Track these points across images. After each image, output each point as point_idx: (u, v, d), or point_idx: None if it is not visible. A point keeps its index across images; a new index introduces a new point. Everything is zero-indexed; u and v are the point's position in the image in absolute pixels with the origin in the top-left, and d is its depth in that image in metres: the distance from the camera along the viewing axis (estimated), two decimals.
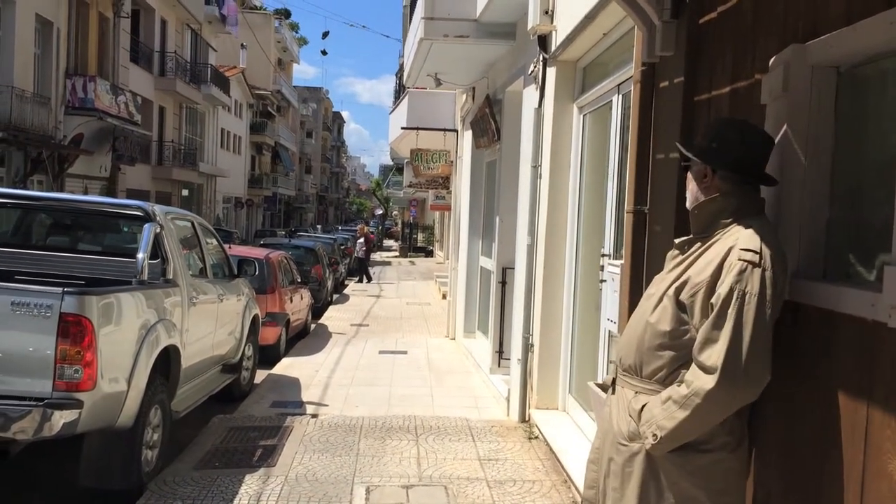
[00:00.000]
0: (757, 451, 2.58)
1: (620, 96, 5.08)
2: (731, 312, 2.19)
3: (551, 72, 6.29)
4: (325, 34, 30.11)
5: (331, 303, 17.68)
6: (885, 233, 2.07)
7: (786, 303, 2.40)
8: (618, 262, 4.40)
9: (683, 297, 2.34)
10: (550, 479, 5.29)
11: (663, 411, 2.29)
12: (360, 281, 24.35)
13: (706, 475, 2.33)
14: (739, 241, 2.26)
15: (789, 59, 2.37)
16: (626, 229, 3.95)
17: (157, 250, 5.52)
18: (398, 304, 17.88)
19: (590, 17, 4.98)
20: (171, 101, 29.44)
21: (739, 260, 2.22)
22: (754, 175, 2.35)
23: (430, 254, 42.00)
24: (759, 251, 2.21)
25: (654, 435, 2.30)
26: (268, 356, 9.66)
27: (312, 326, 13.34)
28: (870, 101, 2.26)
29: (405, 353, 10.83)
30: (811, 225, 2.35)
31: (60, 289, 4.28)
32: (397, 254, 44.49)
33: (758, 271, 2.19)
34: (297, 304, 11.97)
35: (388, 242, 58.25)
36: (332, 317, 15.01)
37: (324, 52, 53.28)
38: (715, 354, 2.20)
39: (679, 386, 2.29)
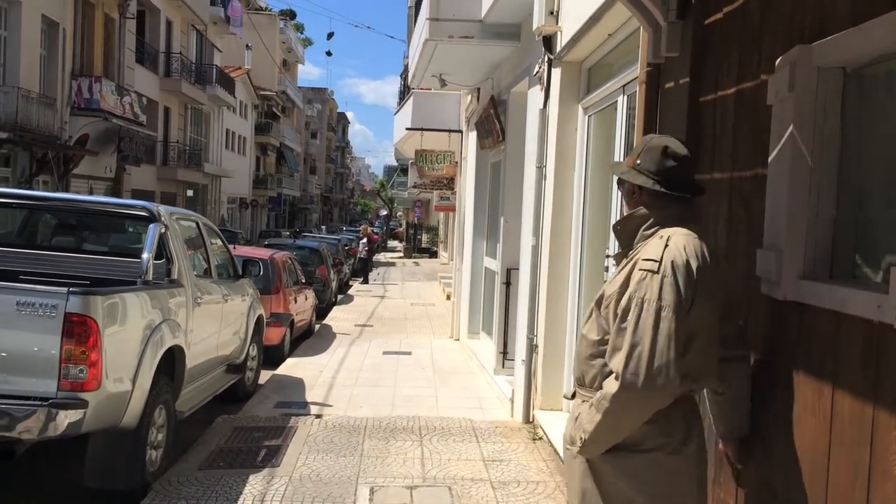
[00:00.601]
0: (762, 452, 2.58)
1: (626, 97, 5.07)
2: (631, 319, 2.28)
3: (556, 72, 6.28)
4: (330, 35, 30.22)
5: (335, 303, 17.69)
6: (892, 234, 2.07)
7: (792, 303, 2.39)
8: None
9: (602, 308, 2.45)
10: (555, 480, 5.28)
11: (587, 415, 2.38)
12: (365, 281, 24.37)
13: (643, 476, 2.37)
14: (644, 252, 2.37)
15: (795, 60, 2.36)
16: None
17: (161, 250, 5.53)
18: (402, 304, 17.88)
19: (595, 18, 4.97)
20: (177, 102, 29.50)
21: (639, 270, 2.33)
22: (677, 188, 2.44)
23: (434, 255, 42.00)
24: (658, 260, 2.30)
25: (581, 438, 2.39)
26: (272, 357, 9.67)
27: (317, 327, 13.34)
28: (876, 102, 2.25)
29: (409, 353, 10.83)
30: (818, 226, 2.35)
31: (65, 289, 4.29)
32: (402, 254, 44.49)
33: (657, 278, 2.27)
34: (302, 305, 11.98)
35: (392, 243, 58.27)
36: (337, 317, 15.02)
37: (328, 53, 53.56)
38: (617, 360, 2.28)
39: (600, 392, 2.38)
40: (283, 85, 52.60)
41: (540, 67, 6.61)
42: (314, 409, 7.24)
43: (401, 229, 61.96)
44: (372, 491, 4.98)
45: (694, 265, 2.30)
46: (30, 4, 17.74)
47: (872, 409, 2.01)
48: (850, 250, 2.31)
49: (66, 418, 4.17)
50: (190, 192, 31.10)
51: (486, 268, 10.51)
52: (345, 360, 10.04)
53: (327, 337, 12.37)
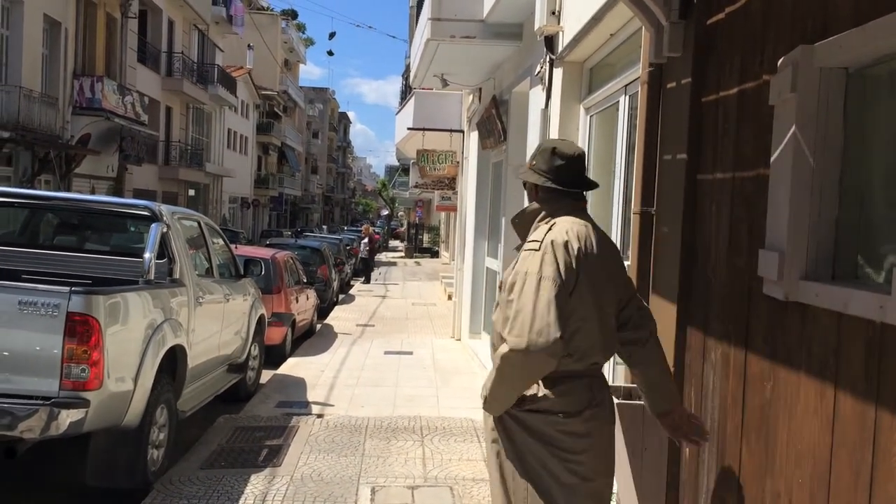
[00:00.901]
0: (765, 453, 2.58)
1: (627, 97, 5.07)
2: (516, 290, 2.58)
3: (558, 73, 6.28)
4: (332, 35, 30.26)
5: (336, 303, 17.69)
6: (895, 235, 2.06)
7: (794, 304, 2.39)
8: (624, 263, 4.39)
9: (503, 295, 2.74)
10: None
11: (488, 378, 2.69)
12: (367, 281, 24.38)
13: (545, 433, 2.63)
14: (531, 236, 2.72)
15: (798, 60, 2.36)
16: (633, 230, 3.94)
17: (163, 250, 5.54)
18: (404, 304, 17.88)
19: (597, 18, 4.97)
20: (178, 102, 29.52)
21: (524, 250, 2.67)
22: (566, 184, 2.77)
23: (435, 254, 42.00)
24: (541, 240, 2.62)
25: (484, 397, 2.70)
26: (273, 356, 9.67)
27: (318, 326, 13.35)
28: (879, 102, 2.25)
29: (411, 353, 10.83)
30: (820, 226, 2.34)
31: (67, 288, 4.29)
32: (403, 254, 44.48)
33: (538, 255, 2.59)
34: (303, 305, 11.98)
35: (393, 243, 58.27)
36: (338, 317, 15.02)
37: (330, 53, 53.51)
38: (508, 326, 2.56)
39: None
40: (284, 85, 52.62)
41: (542, 67, 6.61)
42: (316, 409, 7.24)
43: (402, 229, 61.96)
44: (373, 491, 4.98)
45: (574, 245, 2.61)
46: (32, 4, 17.76)
47: (875, 410, 2.01)
48: (853, 251, 2.30)
49: (68, 417, 4.17)
50: (192, 192, 31.13)
51: (487, 268, 10.51)
52: (346, 360, 10.05)
53: (329, 336, 12.37)
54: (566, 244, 2.60)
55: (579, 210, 2.78)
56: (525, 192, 3.07)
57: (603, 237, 2.78)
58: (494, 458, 2.74)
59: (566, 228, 2.66)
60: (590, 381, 2.69)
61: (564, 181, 2.77)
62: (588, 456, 2.65)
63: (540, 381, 2.63)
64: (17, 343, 4.24)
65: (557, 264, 2.55)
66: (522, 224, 2.84)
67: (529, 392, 2.63)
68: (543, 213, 2.78)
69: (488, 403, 2.70)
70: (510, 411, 2.67)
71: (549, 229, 2.66)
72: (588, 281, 2.60)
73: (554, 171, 2.78)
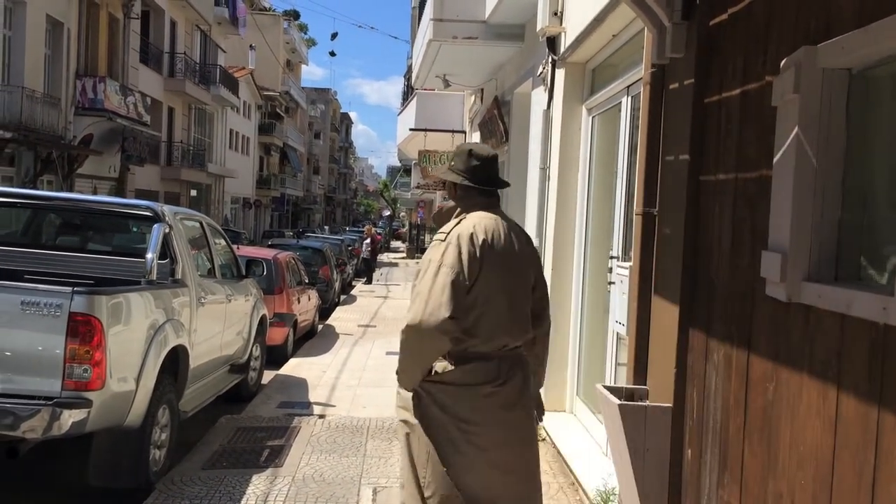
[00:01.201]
0: (768, 455, 2.58)
1: (630, 98, 5.07)
2: (420, 276, 2.88)
3: (560, 73, 6.29)
4: (334, 35, 30.32)
5: (338, 303, 17.69)
6: None
7: (797, 305, 2.39)
8: (626, 265, 4.40)
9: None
10: (557, 481, 5.27)
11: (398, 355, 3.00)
12: (368, 282, 24.38)
13: (448, 405, 2.90)
14: (441, 229, 2.98)
15: (801, 61, 2.36)
16: (636, 231, 3.94)
17: (165, 250, 5.54)
18: (405, 305, 17.80)
19: (599, 19, 4.97)
20: (180, 102, 29.54)
21: (434, 241, 2.94)
22: (481, 182, 3.07)
23: None
24: (448, 232, 2.91)
25: (397, 372, 3.01)
26: (275, 357, 9.67)
27: (320, 327, 13.34)
28: (882, 103, 2.25)
29: None
30: (823, 227, 2.34)
31: (70, 288, 4.29)
32: (404, 255, 44.49)
33: (442, 245, 2.88)
34: (305, 305, 11.98)
35: (395, 244, 58.29)
36: (340, 318, 15.02)
37: (332, 54, 53.37)
38: (409, 306, 2.87)
39: None
40: (286, 85, 52.64)
41: (544, 68, 6.61)
42: (317, 410, 7.24)
43: (404, 230, 61.96)
44: (375, 491, 4.98)
45: (480, 237, 2.89)
46: (34, 4, 17.78)
47: (878, 412, 2.01)
48: (856, 252, 2.30)
49: (70, 417, 4.17)
50: (193, 192, 31.14)
51: None
52: (348, 361, 10.05)
53: (330, 337, 12.37)
54: (471, 236, 2.89)
55: (492, 206, 3.08)
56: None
57: (515, 231, 3.06)
58: (403, 431, 3.02)
59: (474, 222, 2.95)
60: (498, 361, 2.94)
61: (480, 180, 3.07)
62: (484, 428, 2.91)
63: (451, 360, 2.91)
64: (20, 343, 4.24)
65: (460, 254, 2.84)
66: (441, 222, 3.09)
67: (441, 369, 2.92)
68: (459, 210, 3.08)
69: (399, 377, 3.01)
70: (423, 385, 2.94)
71: (458, 223, 2.96)
72: (493, 270, 2.89)
73: (470, 170, 3.07)
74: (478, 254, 2.86)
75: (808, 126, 2.35)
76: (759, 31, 2.81)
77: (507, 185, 3.23)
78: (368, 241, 25.40)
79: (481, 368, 2.92)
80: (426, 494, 2.91)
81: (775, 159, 2.52)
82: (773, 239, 2.52)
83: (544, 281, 3.25)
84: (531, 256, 3.13)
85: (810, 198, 2.35)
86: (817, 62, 2.32)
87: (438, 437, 2.90)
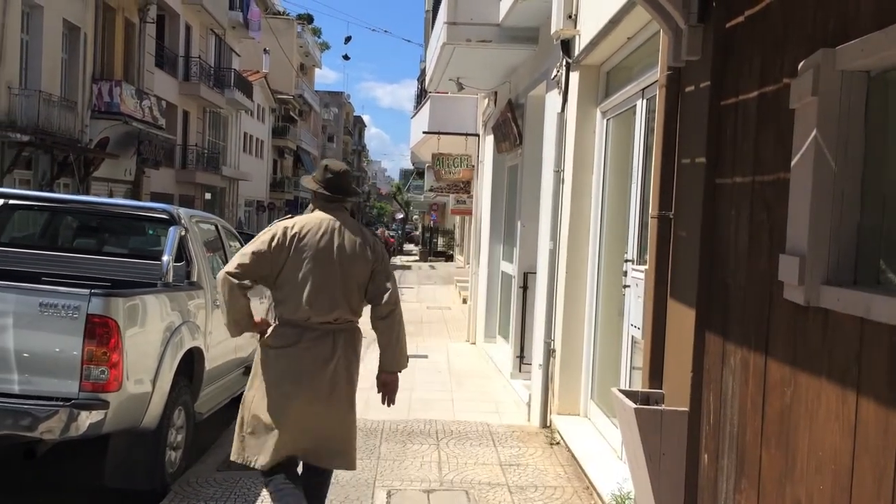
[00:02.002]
0: (786, 459, 2.56)
1: (645, 101, 5.06)
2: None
3: (574, 76, 6.28)
4: (348, 39, 30.45)
5: None
6: None
7: (815, 309, 2.38)
8: (641, 268, 4.38)
9: None
10: (572, 485, 5.26)
11: None
12: None
13: (265, 360, 3.79)
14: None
15: (819, 63, 2.34)
16: (651, 235, 3.93)
17: (181, 253, 5.57)
18: (418, 308, 17.89)
19: (614, 22, 4.96)
20: (195, 106, 29.73)
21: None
22: (333, 192, 3.84)
23: (450, 258, 41.98)
24: (278, 222, 3.80)
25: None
26: None
27: None
28: None
29: (426, 357, 10.82)
30: (841, 231, 2.33)
31: (87, 290, 4.32)
32: (417, 258, 44.52)
33: (270, 229, 3.75)
34: None
35: (408, 246, 58.32)
36: None
37: (346, 57, 53.36)
38: None
39: None
40: (300, 89, 52.86)
41: (558, 71, 6.60)
42: None
43: (416, 232, 62.00)
44: (389, 494, 4.98)
45: (291, 232, 3.68)
46: (52, 9, 17.95)
47: None
48: (875, 256, 2.29)
49: (87, 419, 4.20)
50: (208, 195, 31.31)
51: (502, 271, 10.50)
52: (361, 363, 10.04)
53: None
54: (286, 229, 3.71)
55: (333, 210, 3.82)
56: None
57: (348, 233, 3.76)
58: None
59: (298, 220, 3.78)
60: (303, 329, 3.69)
61: (329, 188, 3.83)
62: (286, 381, 3.68)
63: (276, 323, 3.77)
64: (38, 344, 4.27)
65: (272, 238, 3.67)
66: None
67: (270, 331, 3.76)
68: (311, 208, 3.91)
69: (227, 328, 3.85)
70: (260, 346, 3.82)
71: (292, 217, 3.83)
72: (298, 257, 3.66)
73: (324, 181, 3.84)
74: (286, 243, 3.67)
75: (827, 129, 2.34)
76: (776, 33, 2.80)
77: (353, 194, 4.01)
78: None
79: (287, 333, 3.71)
80: (246, 431, 3.77)
81: (793, 162, 2.50)
82: (791, 242, 2.51)
83: (382, 278, 3.83)
84: (360, 255, 3.76)
85: (829, 201, 2.34)
86: (836, 64, 2.31)
87: (262, 387, 3.74)
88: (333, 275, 3.69)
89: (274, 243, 3.65)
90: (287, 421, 3.69)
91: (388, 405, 4.18)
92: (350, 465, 4.00)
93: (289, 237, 3.66)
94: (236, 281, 3.62)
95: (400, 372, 4.04)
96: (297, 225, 3.70)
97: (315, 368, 3.71)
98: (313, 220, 3.74)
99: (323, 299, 3.67)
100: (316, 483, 3.96)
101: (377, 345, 3.97)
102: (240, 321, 3.73)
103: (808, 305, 2.40)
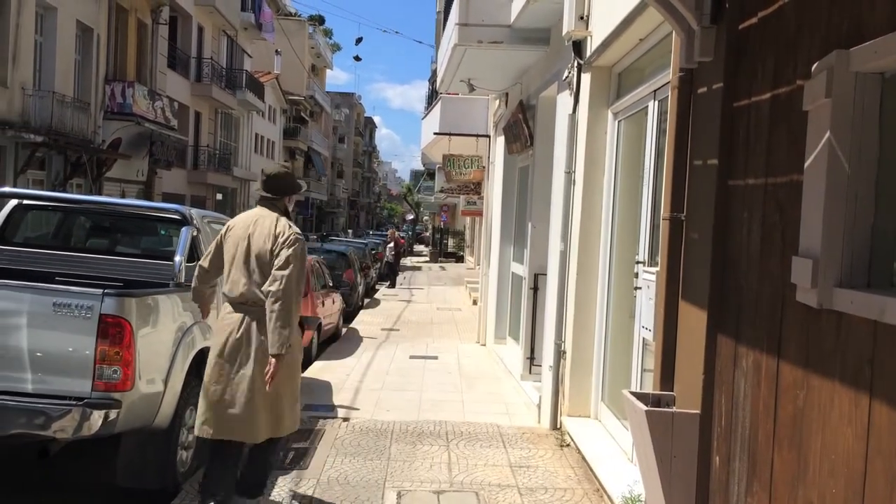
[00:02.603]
0: (798, 462, 2.55)
1: (657, 102, 5.04)
2: None
3: (586, 77, 6.27)
4: (359, 40, 30.40)
5: (362, 307, 17.76)
6: None
7: (828, 311, 2.37)
8: (653, 270, 4.37)
9: None
10: (583, 487, 5.25)
11: None
12: (392, 286, 24.43)
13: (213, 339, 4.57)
14: None
15: (832, 65, 2.33)
16: (663, 236, 3.92)
17: (193, 253, 5.59)
18: (429, 309, 17.91)
19: (626, 23, 4.95)
20: (207, 107, 29.85)
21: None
22: (267, 191, 4.55)
23: (460, 259, 41.99)
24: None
25: None
26: None
27: (343, 330, 13.40)
28: None
29: (436, 358, 10.84)
30: (855, 233, 2.32)
31: (100, 290, 4.35)
32: (428, 259, 44.53)
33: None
34: (329, 308, 12.04)
35: (418, 247, 58.35)
36: (363, 321, 15.08)
37: (357, 59, 53.50)
38: None
39: None
40: (311, 90, 52.98)
41: (569, 72, 6.60)
42: (341, 413, 7.27)
43: (427, 233, 62.03)
44: (399, 495, 4.99)
45: (228, 225, 4.55)
46: (65, 10, 18.07)
47: None
48: (889, 258, 2.27)
49: (99, 418, 4.23)
50: (219, 196, 31.44)
51: (513, 273, 10.49)
52: (371, 364, 10.08)
53: (354, 341, 12.42)
54: (227, 224, 4.61)
55: (265, 205, 4.51)
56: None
57: (262, 224, 4.38)
58: None
59: (237, 216, 4.65)
60: (235, 305, 4.33)
61: (265, 188, 4.55)
62: (221, 344, 4.30)
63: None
64: (52, 344, 4.30)
65: (222, 234, 4.52)
66: None
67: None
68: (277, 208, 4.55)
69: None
70: None
71: (238, 216, 4.66)
72: (228, 246, 4.43)
73: (262, 183, 4.58)
74: (225, 234, 4.50)
75: (841, 131, 2.33)
76: (789, 34, 2.79)
77: (285, 192, 4.60)
78: (392, 244, 25.44)
79: (227, 309, 4.38)
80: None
81: (806, 164, 2.49)
82: (804, 244, 2.50)
83: (277, 264, 4.22)
84: (264, 242, 4.30)
85: (842, 203, 2.33)
86: (850, 66, 2.30)
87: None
88: (240, 257, 4.33)
89: (219, 237, 4.53)
90: (208, 388, 4.30)
91: (267, 388, 4.25)
92: (249, 437, 4.31)
93: (225, 230, 4.50)
94: (202, 270, 4.59)
95: (276, 357, 4.15)
96: (234, 220, 4.56)
97: (228, 340, 4.28)
98: (246, 215, 4.54)
99: (234, 277, 4.34)
100: (227, 454, 4.33)
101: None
102: (196, 303, 4.76)
103: (821, 308, 2.39)
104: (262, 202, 4.52)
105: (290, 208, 4.66)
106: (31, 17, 16.85)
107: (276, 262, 4.22)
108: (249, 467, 4.52)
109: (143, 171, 22.48)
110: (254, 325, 4.25)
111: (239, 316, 4.28)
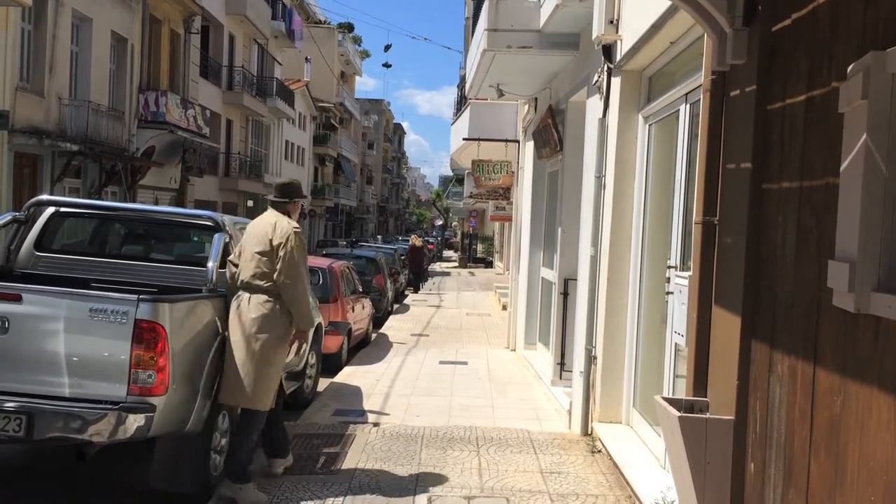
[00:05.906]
0: (835, 470, 2.51)
1: (688, 106, 5.00)
2: None
3: (616, 81, 6.24)
4: (388, 47, 30.63)
5: (391, 312, 17.81)
6: None
7: (865, 316, 2.33)
8: (685, 274, 4.33)
9: None
10: (614, 493, 5.21)
11: None
12: (416, 291, 24.51)
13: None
14: None
15: (868, 66, 2.30)
16: (695, 241, 3.88)
17: (226, 259, 5.64)
18: (458, 314, 17.90)
19: (657, 26, 4.93)
20: (238, 115, 30.18)
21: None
22: (276, 196, 5.31)
23: (489, 264, 41.95)
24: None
25: None
26: (330, 365, 9.78)
27: (373, 336, 13.45)
28: None
29: (465, 363, 10.83)
30: (893, 236, 2.28)
31: (135, 296, 4.41)
32: (457, 264, 44.55)
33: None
34: (359, 314, 12.09)
35: (447, 253, 58.37)
36: (393, 326, 15.12)
37: (386, 65, 54.24)
38: None
39: None
40: (340, 97, 53.32)
41: (599, 76, 6.57)
42: (371, 418, 7.29)
43: (456, 239, 62.05)
44: (430, 501, 4.99)
45: (248, 225, 5.33)
46: (100, 21, 18.39)
47: None
48: None
49: (134, 422, 4.28)
50: (250, 203, 31.71)
51: (542, 278, 10.46)
52: (401, 369, 10.10)
53: (384, 346, 12.46)
54: (247, 224, 5.48)
55: (274, 209, 5.22)
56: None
57: (266, 224, 5.09)
58: None
59: (252, 220, 5.46)
60: (243, 287, 5.01)
61: (275, 194, 5.32)
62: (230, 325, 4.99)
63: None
64: (88, 349, 4.37)
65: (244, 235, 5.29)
66: None
67: None
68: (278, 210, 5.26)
69: None
70: None
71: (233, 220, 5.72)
72: (243, 241, 5.20)
73: (274, 189, 5.37)
74: (244, 233, 5.29)
75: (877, 132, 2.29)
76: (824, 35, 2.75)
77: (291, 196, 5.31)
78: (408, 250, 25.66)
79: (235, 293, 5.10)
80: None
81: (842, 167, 2.46)
82: (841, 248, 2.46)
83: (282, 256, 4.91)
84: (262, 238, 5.00)
85: (880, 206, 2.29)
86: (886, 67, 2.27)
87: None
88: (248, 248, 5.07)
89: (243, 236, 5.33)
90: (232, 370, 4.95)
91: (297, 354, 5.63)
92: (247, 402, 4.90)
93: (247, 229, 5.31)
94: (231, 265, 5.24)
95: (305, 331, 5.16)
96: (251, 222, 5.38)
97: (241, 323, 4.94)
98: (258, 218, 5.29)
99: (243, 265, 5.07)
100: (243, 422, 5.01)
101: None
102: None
103: (858, 312, 2.35)
104: (272, 206, 5.28)
105: (296, 216, 5.34)
106: (67, 28, 17.18)
107: (278, 253, 4.95)
108: (229, 449, 5.15)
109: (176, 179, 22.77)
110: (248, 300, 4.97)
111: (245, 297, 4.99)
